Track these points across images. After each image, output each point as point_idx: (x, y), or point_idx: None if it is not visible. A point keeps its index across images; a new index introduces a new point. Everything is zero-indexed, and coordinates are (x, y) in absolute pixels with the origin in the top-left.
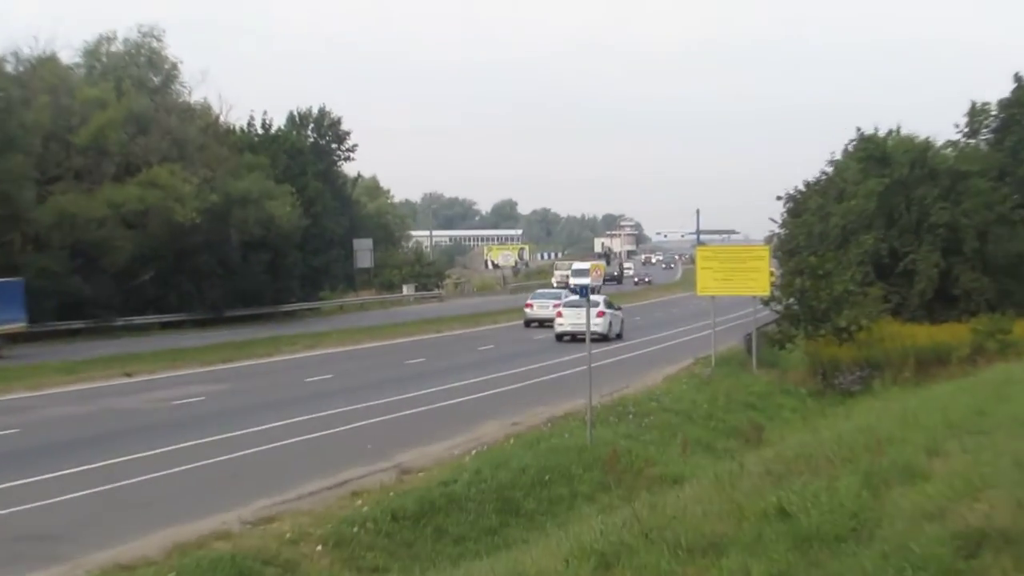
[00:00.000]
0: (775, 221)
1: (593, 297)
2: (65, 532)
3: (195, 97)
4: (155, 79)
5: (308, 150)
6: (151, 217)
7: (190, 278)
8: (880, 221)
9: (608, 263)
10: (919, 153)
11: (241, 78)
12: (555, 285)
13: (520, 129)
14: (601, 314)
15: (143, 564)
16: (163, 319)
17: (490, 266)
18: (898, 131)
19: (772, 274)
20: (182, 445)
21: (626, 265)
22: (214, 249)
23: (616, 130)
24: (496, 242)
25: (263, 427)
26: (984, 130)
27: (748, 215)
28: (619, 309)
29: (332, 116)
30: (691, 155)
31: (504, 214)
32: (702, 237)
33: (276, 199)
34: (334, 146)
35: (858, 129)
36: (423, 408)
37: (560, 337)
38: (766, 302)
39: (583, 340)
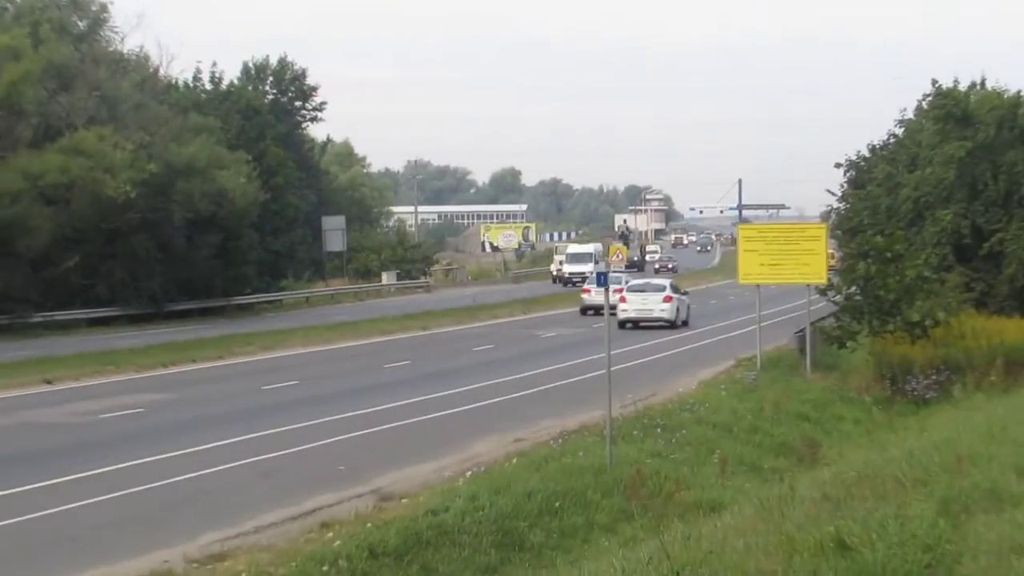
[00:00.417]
0: (833, 193)
1: (659, 280)
2: None
3: (129, 45)
4: (80, 24)
5: (267, 109)
6: (76, 191)
7: (124, 265)
8: (961, 193)
9: (626, 245)
10: (1009, 110)
11: (185, 22)
12: (553, 274)
13: (524, 84)
14: (668, 299)
15: None
16: (91, 314)
17: (488, 249)
18: (983, 84)
19: (831, 257)
20: (115, 467)
21: (650, 248)
22: (153, 230)
23: (641, 83)
24: (495, 220)
25: (213, 444)
26: None
27: (801, 187)
28: (686, 294)
29: (295, 68)
30: (732, 114)
31: (505, 186)
32: (745, 213)
33: (228, 169)
34: (298, 104)
35: (934, 82)
36: (407, 421)
37: (623, 324)
38: (823, 291)
39: (646, 327)
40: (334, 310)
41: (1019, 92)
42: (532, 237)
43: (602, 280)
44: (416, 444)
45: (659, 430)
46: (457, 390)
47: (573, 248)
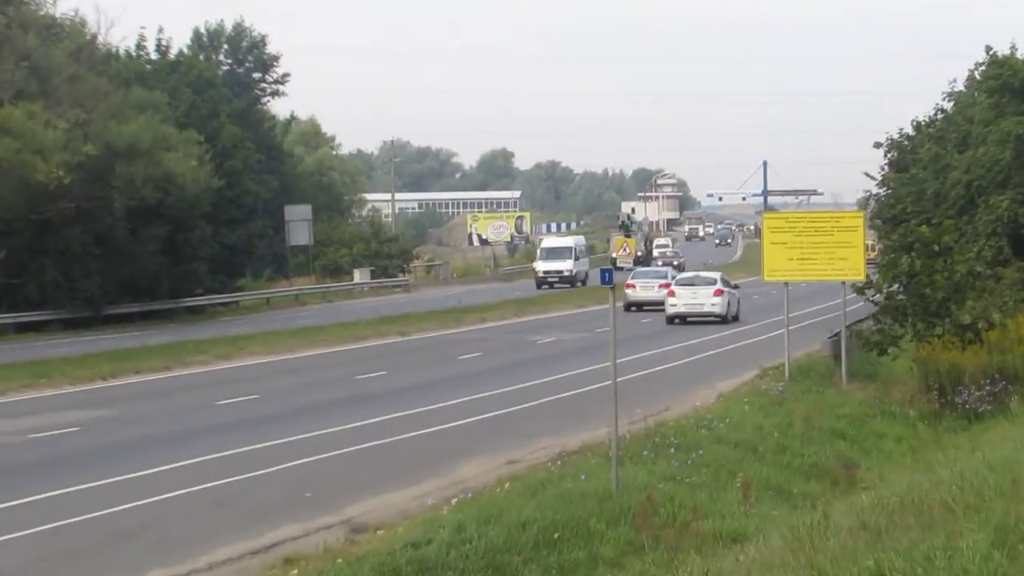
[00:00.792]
0: (872, 177)
1: (710, 274)
2: None
3: (62, 9)
4: None
5: (221, 82)
6: (1, 176)
7: (56, 262)
8: (1019, 176)
9: (628, 235)
10: None
11: None
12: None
13: (517, 52)
14: (719, 292)
15: None
16: (19, 319)
17: (476, 242)
18: None
19: (872, 250)
20: (47, 494)
21: (660, 243)
22: (90, 221)
23: (651, 54)
24: (485, 208)
25: (161, 468)
26: None
27: (835, 170)
28: (736, 287)
29: (253, 34)
30: (756, 89)
31: (496, 170)
32: (771, 200)
33: (177, 150)
34: (257, 76)
35: (988, 48)
36: (383, 440)
37: (672, 320)
38: (860, 290)
39: (696, 323)
40: (299, 313)
41: None
42: (526, 228)
43: (607, 277)
44: (394, 467)
45: (673, 450)
46: (441, 404)
47: (549, 242)
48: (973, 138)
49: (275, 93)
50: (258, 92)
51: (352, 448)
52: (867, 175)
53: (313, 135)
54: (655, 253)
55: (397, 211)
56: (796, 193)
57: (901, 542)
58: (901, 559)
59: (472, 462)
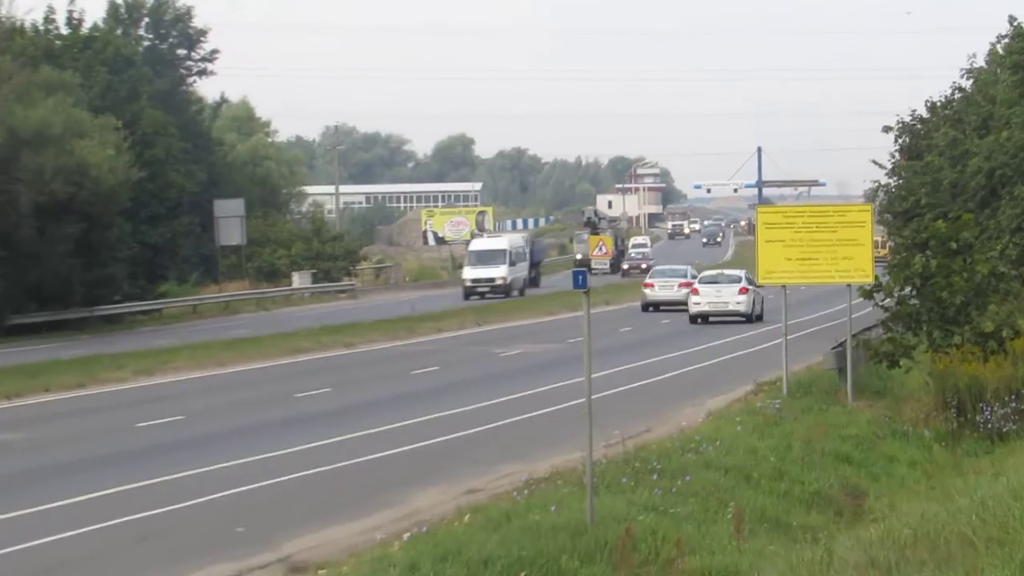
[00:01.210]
0: (881, 166)
1: (734, 272)
2: None
3: None
4: None
5: (141, 60)
6: None
7: None
8: None
9: (595, 233)
10: None
11: None
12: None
13: (476, 26)
14: (744, 291)
15: None
16: None
17: (431, 240)
18: None
19: (881, 248)
20: None
21: (638, 241)
22: None
23: (629, 27)
24: (441, 202)
25: (74, 499)
26: None
27: (839, 157)
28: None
29: (177, 6)
30: (749, 66)
31: (453, 158)
32: (766, 192)
33: (91, 137)
34: (182, 53)
35: (1012, 19)
36: (326, 467)
37: (694, 319)
38: (868, 294)
39: (719, 322)
40: (231, 322)
41: None
42: (489, 225)
43: (580, 280)
44: (339, 497)
45: (656, 476)
46: (392, 426)
47: (478, 244)
48: (995, 120)
49: (202, 72)
50: (183, 71)
51: (291, 476)
52: (875, 163)
53: (246, 120)
54: (632, 254)
55: (342, 206)
56: (795, 184)
57: None
58: None
59: (427, 491)
